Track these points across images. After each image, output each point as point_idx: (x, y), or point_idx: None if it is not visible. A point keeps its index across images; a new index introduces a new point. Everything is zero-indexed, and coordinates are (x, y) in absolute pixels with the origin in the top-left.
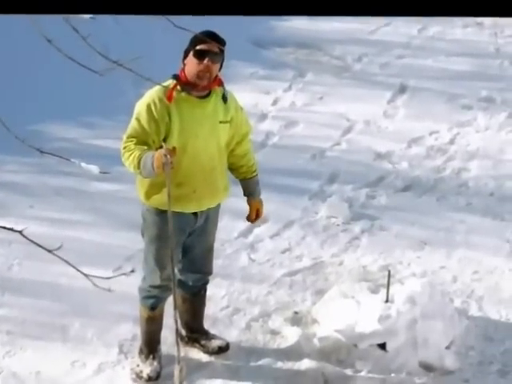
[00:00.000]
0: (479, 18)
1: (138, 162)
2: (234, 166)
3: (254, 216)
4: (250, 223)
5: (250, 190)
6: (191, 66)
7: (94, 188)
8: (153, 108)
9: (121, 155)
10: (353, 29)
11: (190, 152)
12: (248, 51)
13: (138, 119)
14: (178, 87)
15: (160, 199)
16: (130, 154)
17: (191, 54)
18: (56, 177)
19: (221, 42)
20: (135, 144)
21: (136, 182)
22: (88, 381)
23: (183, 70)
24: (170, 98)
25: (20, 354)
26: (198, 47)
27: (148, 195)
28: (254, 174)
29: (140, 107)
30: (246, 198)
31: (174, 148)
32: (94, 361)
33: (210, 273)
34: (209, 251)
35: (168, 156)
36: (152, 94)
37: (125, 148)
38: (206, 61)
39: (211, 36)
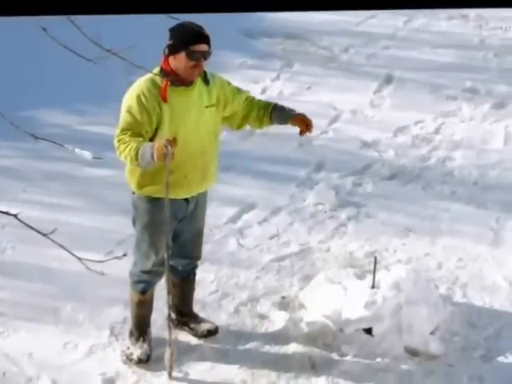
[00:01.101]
0: (464, 10)
1: (136, 154)
2: (253, 116)
3: (305, 127)
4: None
5: (283, 115)
6: (183, 64)
7: (86, 173)
8: (143, 99)
9: (115, 148)
10: (340, 20)
11: (180, 140)
12: (237, 41)
13: (129, 112)
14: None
15: (152, 188)
16: (126, 146)
17: (183, 54)
18: (49, 162)
19: (208, 37)
20: (130, 136)
21: (126, 171)
22: (79, 362)
23: (168, 63)
24: (164, 99)
25: (13, 335)
26: (191, 48)
27: (140, 184)
28: (273, 104)
29: (130, 100)
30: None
31: (175, 139)
32: (85, 343)
33: (199, 258)
34: (198, 236)
35: (169, 147)
36: (140, 85)
37: (119, 141)
38: (199, 61)
39: (201, 35)
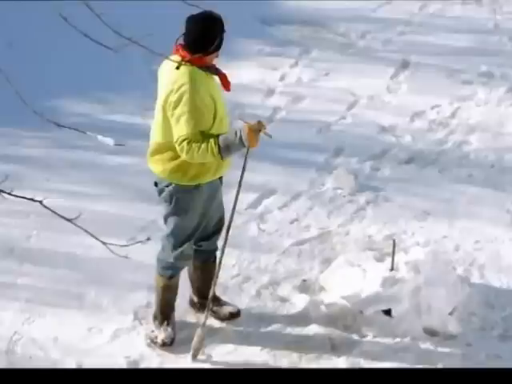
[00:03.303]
0: None
1: (219, 148)
2: None
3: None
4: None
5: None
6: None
7: (109, 161)
8: (199, 99)
9: (183, 151)
10: (355, 6)
11: (224, 122)
12: (255, 29)
13: (192, 114)
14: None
15: (204, 175)
16: (201, 144)
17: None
18: (71, 151)
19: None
20: (198, 136)
21: (168, 168)
22: (104, 346)
23: (206, 59)
24: (229, 89)
25: (39, 320)
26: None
27: (192, 176)
28: None
29: (188, 104)
30: None
31: (260, 121)
32: (109, 327)
33: (223, 220)
34: (221, 205)
35: (261, 129)
36: (190, 87)
37: (189, 142)
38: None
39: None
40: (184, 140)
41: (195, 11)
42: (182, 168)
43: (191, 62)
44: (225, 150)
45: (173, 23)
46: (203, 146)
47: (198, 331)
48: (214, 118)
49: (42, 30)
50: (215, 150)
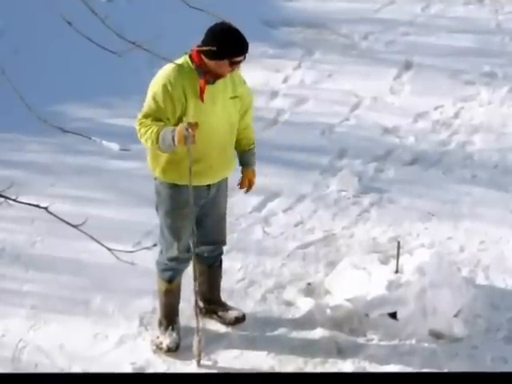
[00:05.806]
0: None
1: (157, 137)
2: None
3: (247, 184)
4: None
5: (246, 160)
6: (224, 69)
7: (114, 166)
8: (169, 88)
9: (136, 131)
10: (358, 8)
11: (204, 130)
12: (258, 31)
13: (154, 98)
14: (194, 67)
15: (177, 175)
16: (147, 130)
17: (226, 62)
18: (76, 156)
19: (248, 44)
20: (151, 121)
21: (149, 158)
22: (110, 352)
23: (204, 62)
24: (202, 99)
25: (44, 327)
26: (235, 59)
27: (165, 171)
28: (252, 145)
29: (156, 87)
30: (240, 168)
31: (196, 123)
32: (115, 333)
33: (224, 242)
34: (221, 220)
35: (190, 130)
36: (167, 73)
37: (141, 124)
38: (239, 65)
39: (245, 45)
40: (138, 120)
41: (199, 15)
42: (155, 158)
43: (191, 57)
44: (162, 142)
45: (176, 27)
46: (149, 131)
47: (195, 337)
48: (181, 117)
49: (47, 35)
50: (153, 136)
